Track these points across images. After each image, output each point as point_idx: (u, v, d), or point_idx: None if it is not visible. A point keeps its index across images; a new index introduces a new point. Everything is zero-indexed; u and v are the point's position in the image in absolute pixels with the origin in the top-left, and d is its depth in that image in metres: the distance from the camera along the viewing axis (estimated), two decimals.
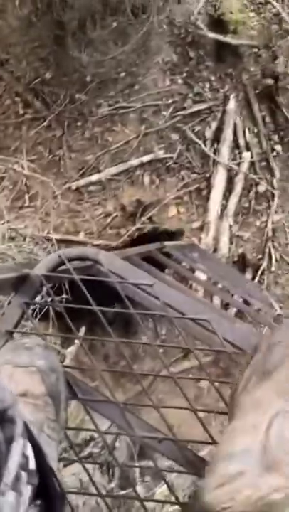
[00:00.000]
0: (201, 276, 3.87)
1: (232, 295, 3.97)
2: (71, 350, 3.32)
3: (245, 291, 3.67)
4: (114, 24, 4.54)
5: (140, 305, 1.31)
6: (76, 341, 3.33)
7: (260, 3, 4.83)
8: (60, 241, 4.43)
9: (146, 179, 4.71)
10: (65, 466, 2.91)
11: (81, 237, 4.56)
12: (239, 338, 1.16)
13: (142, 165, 4.72)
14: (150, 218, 4.62)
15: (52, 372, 1.07)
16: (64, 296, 2.60)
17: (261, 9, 4.82)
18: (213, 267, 3.63)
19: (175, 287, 1.80)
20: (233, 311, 4.18)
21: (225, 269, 4.01)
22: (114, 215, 4.65)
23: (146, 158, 4.71)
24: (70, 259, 1.23)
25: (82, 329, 3.21)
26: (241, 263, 4.61)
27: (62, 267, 1.28)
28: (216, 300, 4.20)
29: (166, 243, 2.67)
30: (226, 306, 4.22)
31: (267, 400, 0.75)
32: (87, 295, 1.21)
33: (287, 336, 0.86)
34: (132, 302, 1.24)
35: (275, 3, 4.78)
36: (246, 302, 3.82)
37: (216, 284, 3.92)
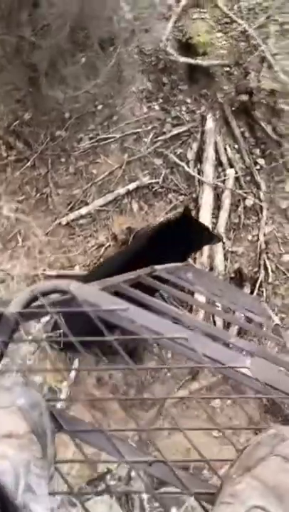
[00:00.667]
0: (198, 296, 3.86)
1: (233, 312, 3.95)
2: (65, 384, 3.31)
3: (245, 306, 3.66)
4: (84, 60, 4.61)
5: (117, 331, 1.32)
6: (72, 374, 3.32)
7: (226, 22, 4.93)
8: (56, 277, 4.45)
9: (135, 206, 4.74)
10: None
11: (77, 270, 4.57)
12: (218, 353, 1.17)
13: (128, 193, 4.76)
14: None
15: (33, 408, 1.08)
16: (59, 331, 2.61)
17: (228, 28, 4.91)
18: (209, 285, 3.62)
19: (163, 308, 1.80)
20: (235, 328, 4.17)
21: (222, 286, 4.00)
22: (107, 245, 4.67)
23: (132, 186, 4.74)
24: (44, 294, 1.25)
25: (76, 362, 3.22)
26: (238, 278, 4.61)
27: (41, 302, 1.29)
28: (217, 319, 4.19)
29: (157, 267, 2.66)
30: (228, 323, 4.22)
31: (245, 493, 0.80)
32: (65, 327, 1.22)
33: (272, 439, 0.91)
34: (112, 330, 1.25)
35: (240, 21, 4.87)
36: (247, 316, 3.80)
37: (214, 302, 3.91)
